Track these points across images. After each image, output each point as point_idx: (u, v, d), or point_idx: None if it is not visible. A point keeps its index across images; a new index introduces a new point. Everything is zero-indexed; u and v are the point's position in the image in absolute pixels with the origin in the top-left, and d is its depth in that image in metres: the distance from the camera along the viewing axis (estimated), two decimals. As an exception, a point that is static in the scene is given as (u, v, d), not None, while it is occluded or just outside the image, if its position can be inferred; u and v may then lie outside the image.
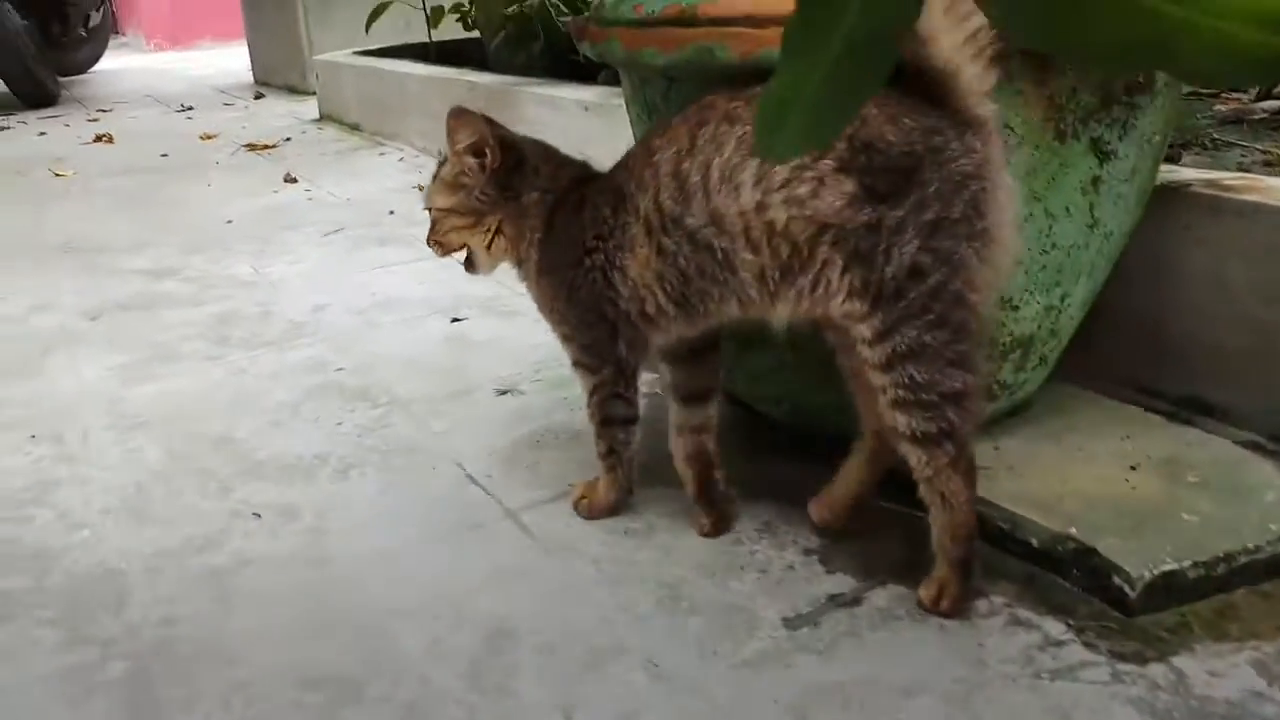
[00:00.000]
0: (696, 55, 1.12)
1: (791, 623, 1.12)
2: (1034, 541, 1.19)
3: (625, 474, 1.30)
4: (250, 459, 1.55)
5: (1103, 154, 1.20)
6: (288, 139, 4.42)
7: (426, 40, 4.38)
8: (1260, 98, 2.20)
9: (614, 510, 1.31)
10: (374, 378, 1.82)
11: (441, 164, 1.25)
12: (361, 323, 2.12)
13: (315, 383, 1.83)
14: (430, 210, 1.25)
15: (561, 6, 3.05)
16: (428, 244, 1.27)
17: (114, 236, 2.95)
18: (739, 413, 1.57)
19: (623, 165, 1.16)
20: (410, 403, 1.70)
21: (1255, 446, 1.40)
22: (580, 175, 1.22)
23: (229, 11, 9.03)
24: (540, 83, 3.25)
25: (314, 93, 5.13)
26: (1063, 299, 1.30)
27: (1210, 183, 1.52)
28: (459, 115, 1.19)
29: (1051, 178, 1.18)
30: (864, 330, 1.02)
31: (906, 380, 1.00)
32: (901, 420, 1.03)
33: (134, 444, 1.62)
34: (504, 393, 1.74)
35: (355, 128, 4.51)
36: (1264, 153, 1.73)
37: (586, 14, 1.31)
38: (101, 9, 7.18)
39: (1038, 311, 1.29)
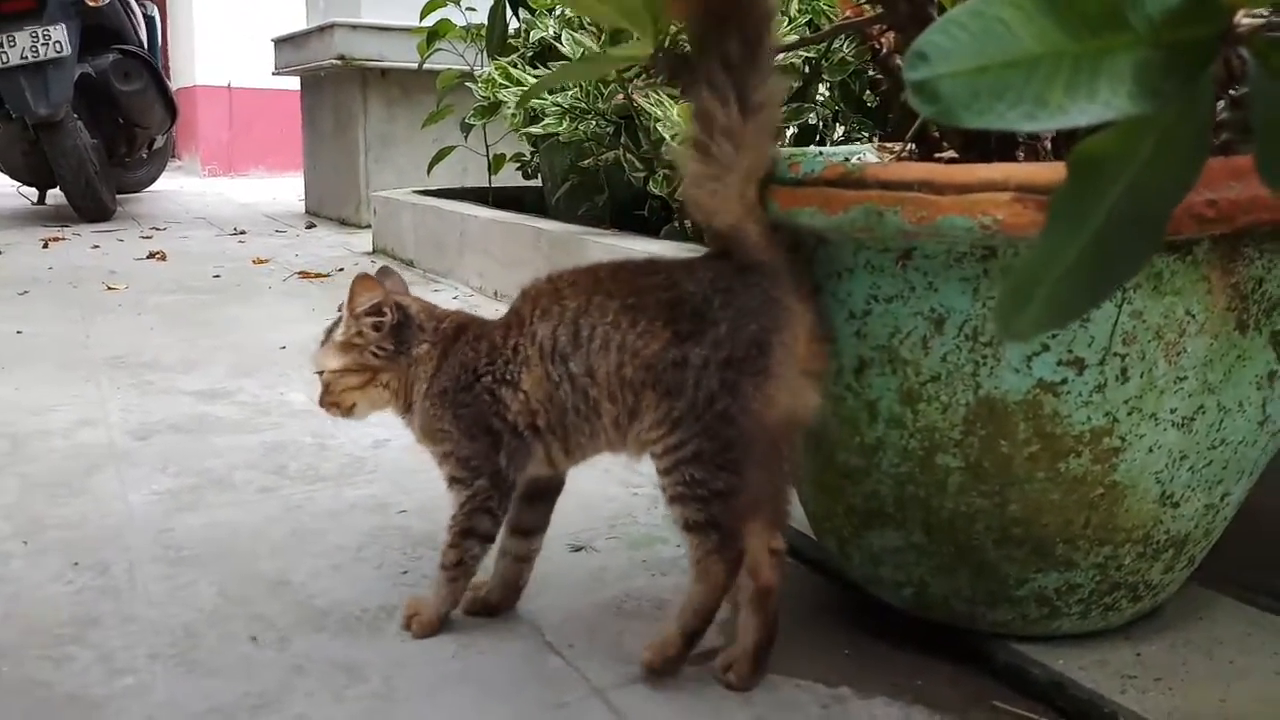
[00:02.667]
0: (864, 218, 1.05)
1: None
2: (1200, 770, 1.06)
3: (462, 590, 1.35)
4: (310, 606, 1.43)
5: None
6: (341, 269, 4.43)
7: (485, 185, 4.44)
8: None
9: (440, 626, 1.35)
10: (439, 521, 1.70)
11: (331, 329, 1.37)
12: (425, 461, 2.01)
13: (377, 524, 1.72)
14: (322, 373, 1.36)
15: (637, 163, 3.05)
16: (320, 406, 1.37)
17: (164, 353, 2.89)
18: (846, 595, 1.45)
19: (524, 297, 1.28)
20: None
21: None
22: (463, 321, 1.36)
23: (284, 143, 9.31)
24: (605, 233, 3.25)
25: (366, 226, 5.19)
26: (1223, 498, 1.20)
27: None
28: (361, 280, 1.33)
29: (1228, 370, 1.09)
30: (658, 446, 1.17)
31: (684, 479, 1.15)
32: (677, 511, 1.17)
33: (184, 579, 1.50)
34: (578, 549, 1.62)
35: (410, 264, 4.52)
36: None
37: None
38: (167, 134, 7.38)
39: (1198, 510, 1.18)
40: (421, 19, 4.04)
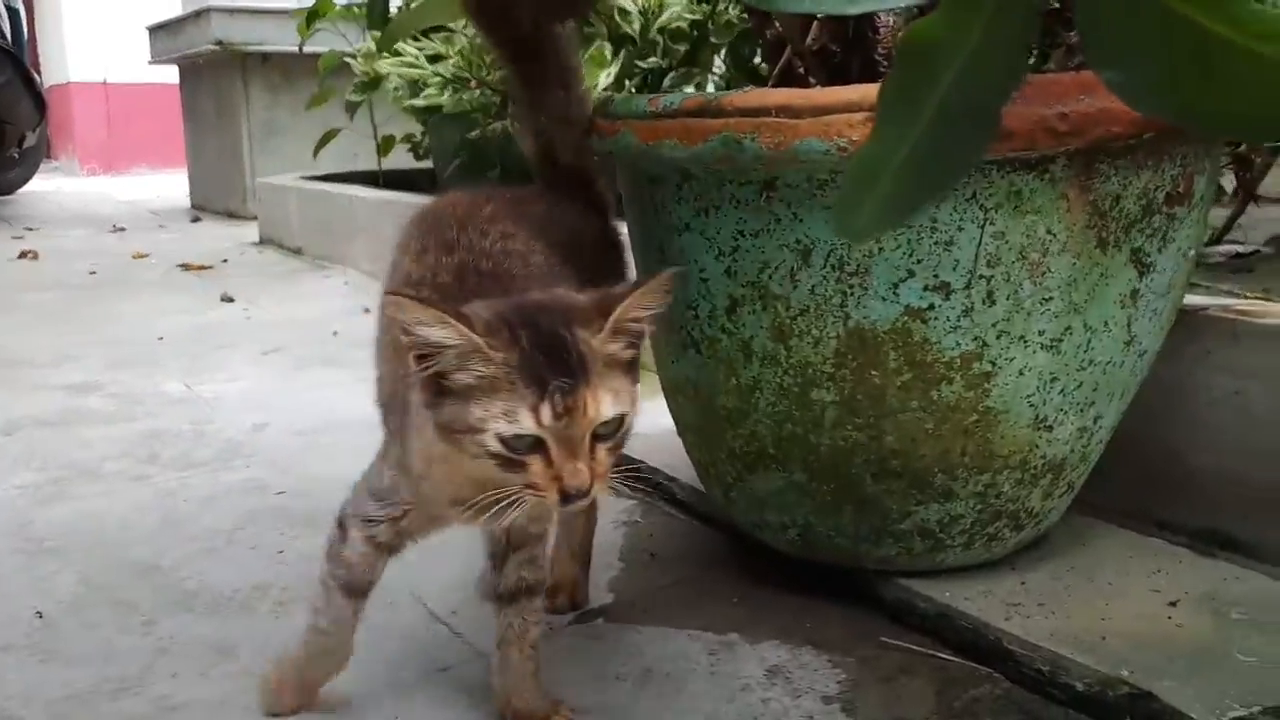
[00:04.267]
0: (723, 146, 1.03)
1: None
2: (1078, 685, 1.06)
3: None
4: (179, 589, 1.36)
5: (1143, 266, 1.13)
6: (225, 260, 4.28)
7: (375, 168, 4.33)
8: (1213, 242, 2.20)
9: None
10: (320, 502, 1.64)
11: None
12: (305, 444, 1.95)
13: (253, 506, 1.64)
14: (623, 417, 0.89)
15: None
16: (588, 488, 0.85)
17: (35, 351, 2.74)
18: (734, 543, 1.43)
19: None
20: (363, 528, 1.53)
21: (1289, 583, 1.30)
22: None
23: (167, 139, 8.98)
24: (496, 207, 3.19)
25: (254, 217, 5.02)
26: (1096, 420, 1.21)
27: (1228, 307, 1.46)
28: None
29: (1092, 289, 1.10)
30: None
31: None
32: None
33: (44, 571, 1.41)
34: (467, 519, 1.58)
35: (297, 251, 4.39)
36: (1227, 292, 1.69)
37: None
38: (37, 130, 7.04)
39: (1072, 433, 1.19)
40: (300, -2, 3.92)
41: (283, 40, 5.38)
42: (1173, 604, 1.20)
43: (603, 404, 0.83)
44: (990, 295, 1.08)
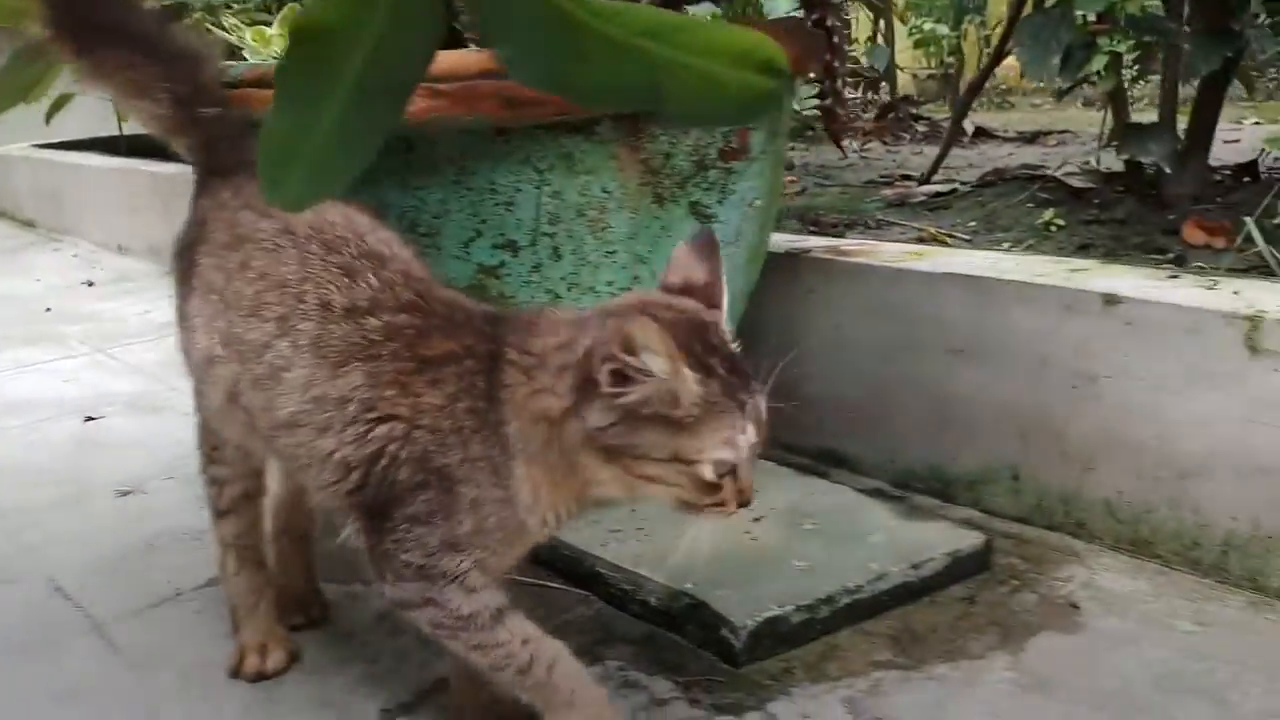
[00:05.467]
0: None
1: (391, 713, 1.03)
2: (652, 600, 1.17)
3: None
4: None
5: (704, 217, 1.23)
6: (-54, 237, 4.01)
7: (117, 133, 4.12)
8: (922, 182, 2.38)
9: None
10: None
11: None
12: (-19, 427, 1.89)
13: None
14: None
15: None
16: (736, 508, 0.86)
17: None
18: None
19: None
20: (5, 514, 1.51)
21: (876, 493, 1.45)
22: None
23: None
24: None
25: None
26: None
27: (829, 248, 1.60)
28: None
29: (654, 241, 1.19)
30: None
31: None
32: None
33: None
34: (125, 494, 1.57)
35: (30, 224, 4.15)
36: (920, 230, 1.85)
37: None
38: None
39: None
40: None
41: None
42: (756, 520, 1.32)
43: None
44: (556, 250, 1.16)
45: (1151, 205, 1.82)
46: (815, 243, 1.62)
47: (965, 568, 1.24)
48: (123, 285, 3.03)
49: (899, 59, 4.28)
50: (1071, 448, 1.32)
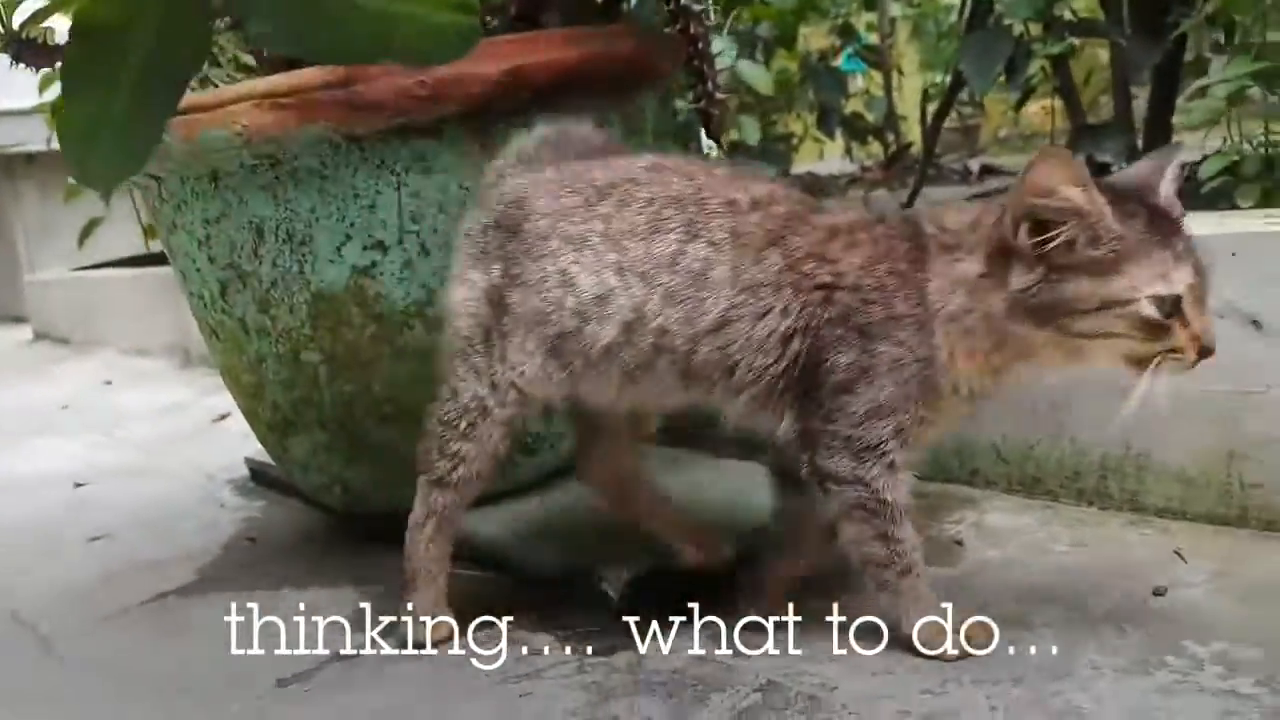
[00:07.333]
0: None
1: (285, 682, 1.10)
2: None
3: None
4: None
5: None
6: (-12, 360, 4.24)
7: (144, 252, 4.35)
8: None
9: None
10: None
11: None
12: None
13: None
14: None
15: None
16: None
17: None
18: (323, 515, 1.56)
19: None
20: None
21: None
22: None
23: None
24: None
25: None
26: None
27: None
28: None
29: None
30: None
31: None
32: None
33: None
34: (96, 539, 1.67)
35: (65, 341, 4.38)
36: None
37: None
38: None
39: (540, 358, 1.36)
40: (40, 93, 3.94)
41: (43, 139, 5.36)
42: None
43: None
44: (424, 247, 1.24)
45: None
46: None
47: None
48: (136, 380, 3.19)
49: (914, 111, 4.33)
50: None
